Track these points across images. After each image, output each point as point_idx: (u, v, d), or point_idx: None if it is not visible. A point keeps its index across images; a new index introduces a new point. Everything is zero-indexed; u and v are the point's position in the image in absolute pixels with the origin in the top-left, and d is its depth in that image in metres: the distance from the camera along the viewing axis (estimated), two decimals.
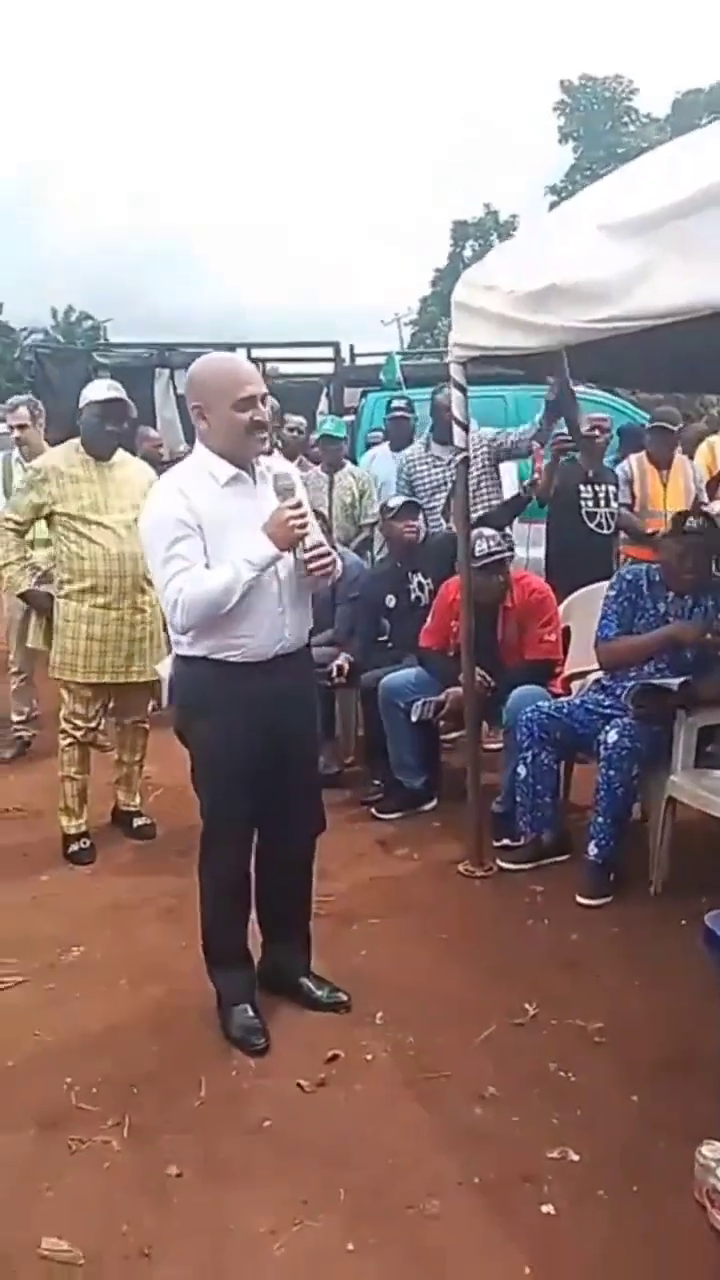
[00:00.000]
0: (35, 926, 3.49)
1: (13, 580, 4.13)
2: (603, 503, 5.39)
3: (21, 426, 5.46)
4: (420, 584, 4.75)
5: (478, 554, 3.96)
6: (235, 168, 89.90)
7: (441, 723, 4.41)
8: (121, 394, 3.95)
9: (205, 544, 2.53)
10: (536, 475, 5.11)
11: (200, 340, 10.16)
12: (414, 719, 4.23)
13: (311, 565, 2.59)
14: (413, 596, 4.76)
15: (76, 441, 4.00)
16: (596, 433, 5.44)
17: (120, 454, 4.06)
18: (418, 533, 4.76)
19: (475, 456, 4.96)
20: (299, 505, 2.58)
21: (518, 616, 4.18)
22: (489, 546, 4.02)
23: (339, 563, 2.68)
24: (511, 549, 5.23)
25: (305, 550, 2.57)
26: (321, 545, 2.61)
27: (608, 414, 6.21)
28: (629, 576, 3.85)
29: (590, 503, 5.36)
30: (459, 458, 3.74)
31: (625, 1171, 2.25)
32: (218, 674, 2.61)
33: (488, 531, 4.12)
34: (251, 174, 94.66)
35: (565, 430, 5.15)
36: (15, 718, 5.48)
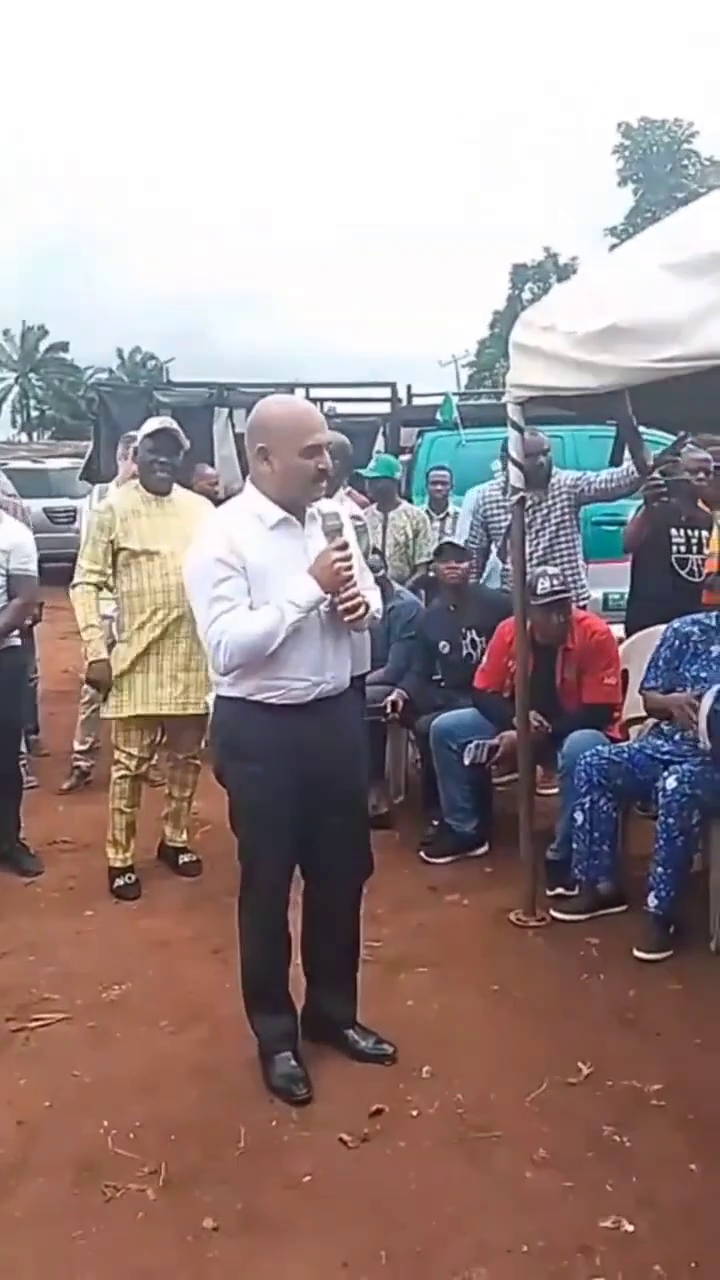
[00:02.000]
0: (78, 962, 3.46)
1: (92, 646, 4.01)
2: (695, 549, 4.96)
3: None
4: (474, 640, 4.64)
5: (539, 592, 3.91)
6: (302, 214, 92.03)
7: (494, 766, 4.33)
8: (170, 425, 3.99)
9: (249, 585, 2.51)
10: None
11: (259, 380, 10.29)
12: (467, 762, 4.15)
13: (342, 610, 2.55)
14: (464, 652, 4.66)
15: (136, 480, 4.06)
16: (701, 475, 5.02)
17: (178, 490, 4.09)
18: (462, 575, 4.68)
19: (555, 503, 4.87)
20: (345, 547, 2.55)
21: (578, 658, 4.09)
22: (550, 585, 3.96)
23: (371, 608, 2.64)
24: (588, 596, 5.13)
25: (338, 596, 2.54)
26: (355, 593, 2.56)
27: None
28: (676, 625, 3.83)
29: (681, 548, 4.95)
30: (515, 497, 3.69)
31: (684, 1246, 2.14)
32: (257, 716, 2.58)
33: (551, 570, 4.07)
34: (316, 219, 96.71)
35: (657, 477, 4.92)
36: (78, 746, 5.47)
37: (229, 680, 2.59)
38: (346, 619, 2.57)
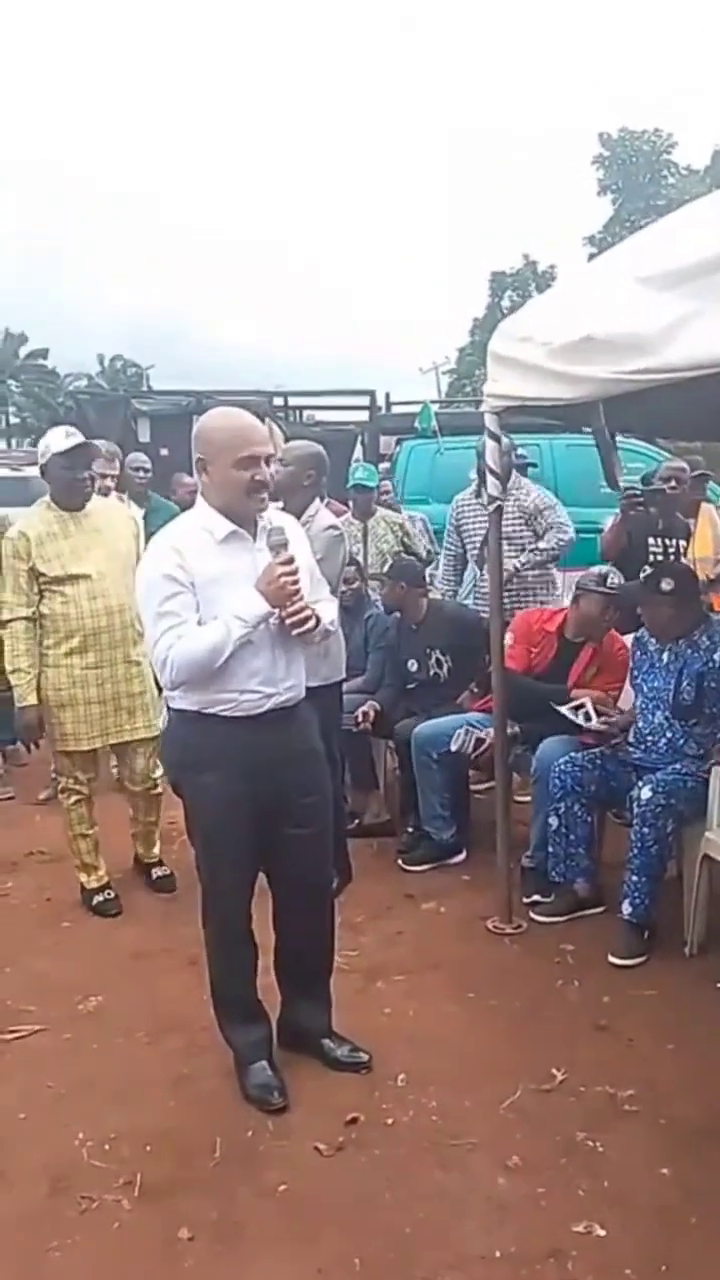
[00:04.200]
0: (55, 974, 3.45)
1: (20, 692, 3.76)
2: (672, 557, 5.02)
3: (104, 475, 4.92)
4: (439, 660, 4.65)
5: (609, 585, 4.03)
6: (283, 222, 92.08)
7: (472, 771, 4.33)
8: (81, 438, 3.77)
9: (198, 600, 2.51)
10: None
11: (238, 388, 10.31)
12: (454, 749, 4.12)
13: (290, 624, 2.55)
14: (431, 672, 4.66)
15: (46, 499, 3.84)
16: (673, 483, 5.13)
17: (92, 501, 3.89)
18: (395, 595, 4.69)
19: (511, 508, 4.90)
20: (291, 561, 2.54)
21: (599, 661, 4.15)
22: (618, 582, 4.05)
23: (323, 621, 2.62)
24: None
25: (285, 610, 2.53)
26: (302, 607, 2.54)
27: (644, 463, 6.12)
28: (637, 635, 3.93)
29: (659, 557, 5.02)
30: (492, 506, 3.72)
31: (654, 1249, 2.16)
32: (210, 728, 2.58)
33: (614, 570, 4.17)
34: (297, 227, 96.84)
35: (635, 486, 4.92)
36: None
37: (179, 693, 2.59)
38: (295, 633, 2.56)
